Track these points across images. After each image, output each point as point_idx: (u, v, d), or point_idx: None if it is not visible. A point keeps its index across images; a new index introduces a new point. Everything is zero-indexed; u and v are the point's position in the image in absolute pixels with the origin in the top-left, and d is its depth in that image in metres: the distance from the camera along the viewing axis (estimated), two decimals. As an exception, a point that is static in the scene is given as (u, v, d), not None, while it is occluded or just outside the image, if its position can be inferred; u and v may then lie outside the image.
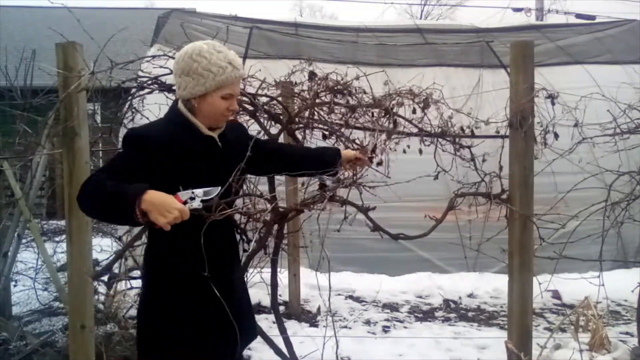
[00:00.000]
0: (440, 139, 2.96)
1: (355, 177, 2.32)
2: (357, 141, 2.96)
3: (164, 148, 1.72)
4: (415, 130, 2.93)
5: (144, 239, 3.46)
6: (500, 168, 2.80)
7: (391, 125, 2.88)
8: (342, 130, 2.94)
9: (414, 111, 2.94)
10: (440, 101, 2.92)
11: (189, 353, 1.82)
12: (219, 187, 1.72)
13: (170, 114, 1.85)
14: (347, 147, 2.89)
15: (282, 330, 3.07)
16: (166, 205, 1.54)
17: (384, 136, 2.70)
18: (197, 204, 1.66)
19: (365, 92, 2.90)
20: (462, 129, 2.99)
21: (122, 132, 3.66)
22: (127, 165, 1.70)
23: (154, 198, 1.54)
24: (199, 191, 1.67)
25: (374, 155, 2.19)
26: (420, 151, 2.93)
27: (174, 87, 2.98)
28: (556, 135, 2.90)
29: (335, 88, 2.87)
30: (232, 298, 1.89)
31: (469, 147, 2.94)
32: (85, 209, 1.69)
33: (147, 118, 3.21)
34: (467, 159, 2.94)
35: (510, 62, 2.68)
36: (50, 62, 2.62)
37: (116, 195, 1.55)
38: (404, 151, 2.99)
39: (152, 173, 1.70)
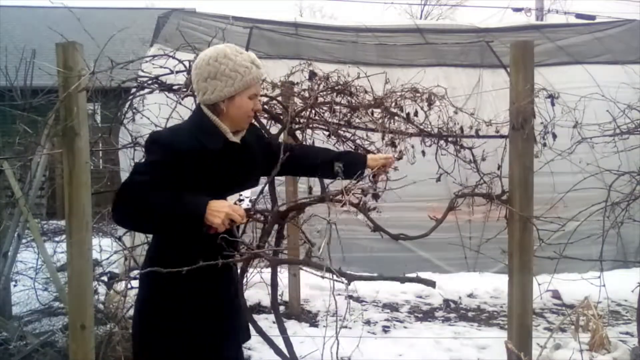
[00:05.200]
0: (441, 140, 2.96)
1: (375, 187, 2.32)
2: (357, 141, 2.96)
3: (191, 153, 1.73)
4: (416, 130, 2.94)
5: (144, 238, 3.47)
6: (499, 167, 2.81)
7: (394, 125, 2.88)
8: (343, 130, 2.94)
9: (415, 113, 2.94)
10: (444, 97, 2.92)
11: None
12: (260, 187, 1.81)
13: (196, 117, 1.84)
14: (353, 148, 2.92)
15: (282, 330, 3.06)
16: (216, 206, 1.61)
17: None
18: (245, 204, 1.72)
19: (366, 92, 2.90)
20: (461, 129, 2.99)
21: (122, 132, 3.68)
22: (160, 171, 1.68)
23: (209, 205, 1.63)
24: (246, 193, 1.76)
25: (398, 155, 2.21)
26: (424, 153, 2.93)
27: (174, 87, 3.00)
28: (554, 136, 2.90)
29: (336, 88, 2.87)
30: (233, 300, 1.93)
31: (470, 149, 2.94)
32: (126, 221, 1.71)
33: (148, 118, 3.22)
34: (467, 160, 2.94)
35: (510, 62, 2.67)
36: (50, 62, 2.61)
37: (181, 211, 1.62)
38: (401, 153, 3.00)
39: (180, 178, 1.71)
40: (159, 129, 2.80)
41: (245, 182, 1.89)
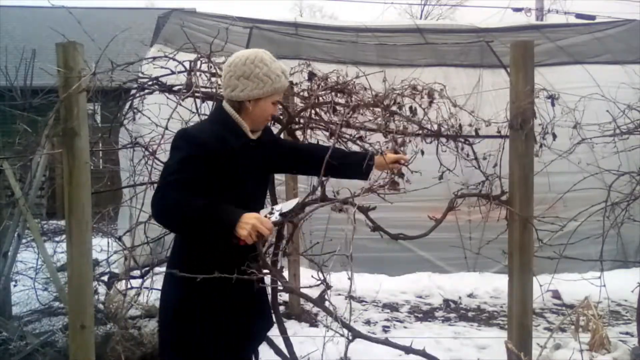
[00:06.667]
0: (441, 137, 2.95)
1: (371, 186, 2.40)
2: (357, 141, 2.95)
3: (215, 148, 1.82)
4: (416, 128, 2.93)
5: (145, 238, 3.47)
6: (495, 166, 2.81)
7: (393, 124, 2.88)
8: (343, 129, 2.94)
9: (412, 110, 2.93)
10: (444, 95, 2.92)
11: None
12: (297, 199, 1.89)
13: (218, 115, 1.95)
14: (351, 146, 2.93)
15: (282, 330, 3.06)
16: (245, 218, 1.67)
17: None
18: (275, 217, 1.78)
19: (365, 89, 2.91)
20: (460, 127, 2.98)
21: (122, 132, 3.68)
22: (192, 166, 1.77)
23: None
24: (277, 207, 1.84)
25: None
26: (422, 152, 2.93)
27: (174, 88, 3.00)
28: (554, 136, 2.89)
29: (335, 87, 2.87)
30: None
31: (470, 145, 2.94)
32: (165, 221, 1.78)
33: (148, 118, 3.22)
34: (465, 155, 2.94)
35: (510, 62, 2.67)
36: (50, 62, 2.62)
37: (216, 220, 1.70)
38: (399, 150, 2.98)
39: (207, 173, 1.80)
40: (160, 129, 2.81)
41: (258, 179, 1.99)
